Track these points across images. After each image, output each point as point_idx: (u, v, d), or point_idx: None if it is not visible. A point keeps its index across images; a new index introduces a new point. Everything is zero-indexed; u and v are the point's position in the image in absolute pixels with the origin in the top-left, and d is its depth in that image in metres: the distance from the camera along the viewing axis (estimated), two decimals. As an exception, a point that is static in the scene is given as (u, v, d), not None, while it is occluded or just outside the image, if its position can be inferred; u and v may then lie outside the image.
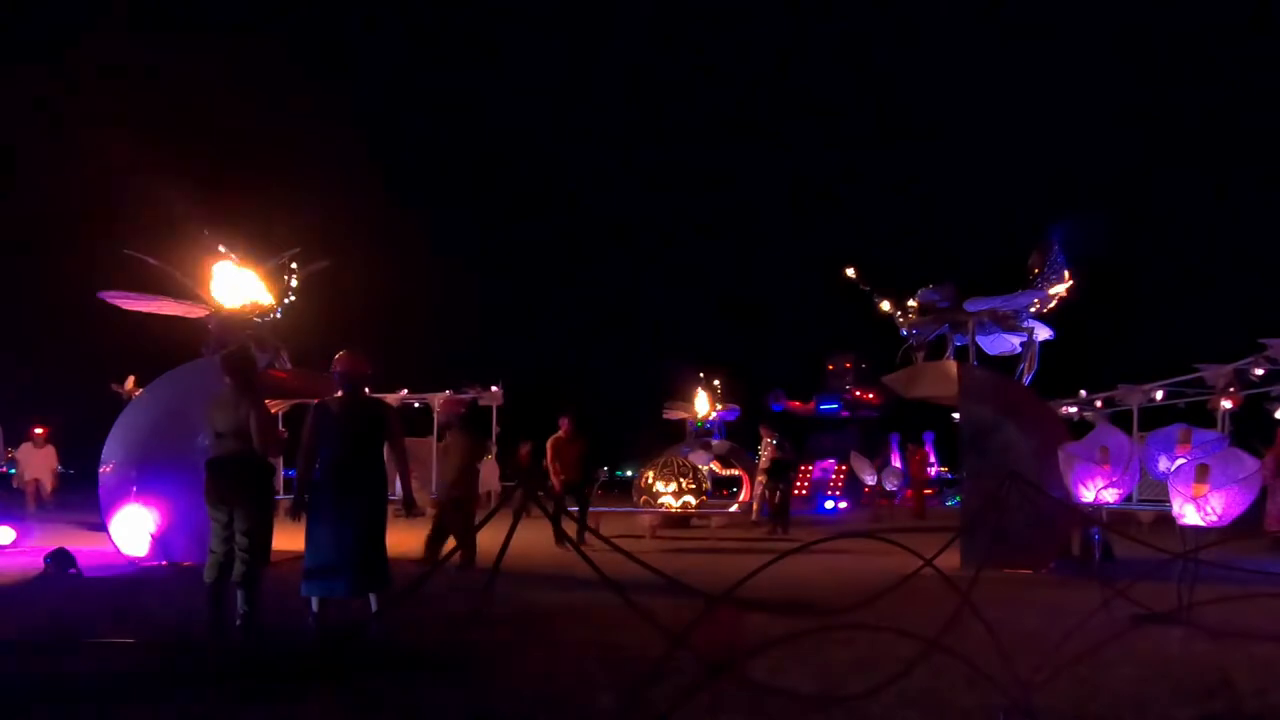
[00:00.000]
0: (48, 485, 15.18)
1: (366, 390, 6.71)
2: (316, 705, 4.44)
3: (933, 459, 32.03)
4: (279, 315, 10.52)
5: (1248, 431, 15.12)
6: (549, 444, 12.68)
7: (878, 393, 32.61)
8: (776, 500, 16.12)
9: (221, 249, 10.06)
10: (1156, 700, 4.50)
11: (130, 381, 15.75)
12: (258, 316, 10.31)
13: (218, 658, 5.48)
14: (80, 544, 10.13)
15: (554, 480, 12.47)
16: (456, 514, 9.25)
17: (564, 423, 12.61)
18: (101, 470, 9.86)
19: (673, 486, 15.90)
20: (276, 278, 10.48)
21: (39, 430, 15.32)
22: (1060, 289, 11.31)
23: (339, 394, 6.14)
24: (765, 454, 17.08)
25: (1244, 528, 7.12)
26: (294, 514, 6.04)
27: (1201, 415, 16.55)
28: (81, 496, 14.61)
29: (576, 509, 12.40)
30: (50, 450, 15.40)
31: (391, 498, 6.16)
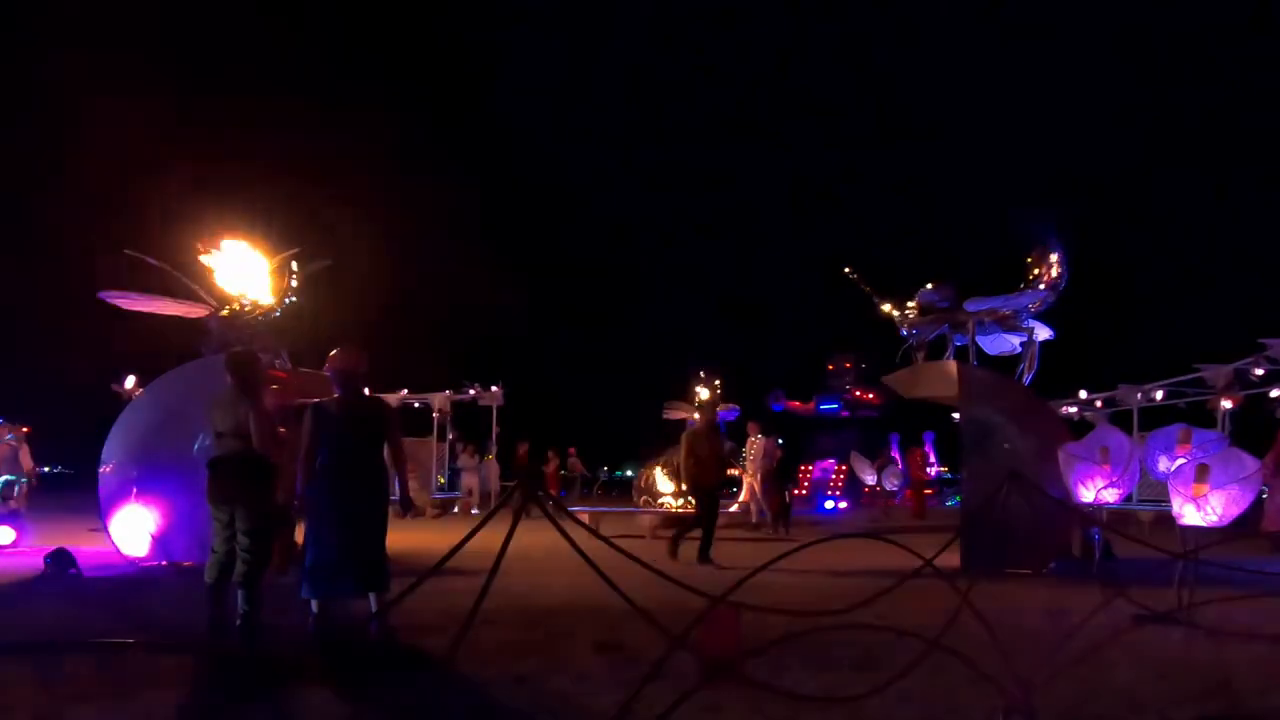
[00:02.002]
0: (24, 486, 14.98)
1: (365, 389, 6.69)
2: (316, 705, 4.44)
3: (933, 459, 32.04)
4: (279, 315, 10.51)
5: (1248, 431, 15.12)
6: (685, 439, 10.84)
7: (878, 393, 32.60)
8: (777, 501, 16.11)
9: (218, 245, 10.04)
10: (1156, 700, 4.50)
11: (130, 381, 15.71)
12: (259, 315, 10.31)
13: (218, 658, 5.48)
14: (80, 544, 10.13)
15: (685, 481, 10.70)
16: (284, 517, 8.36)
17: (701, 415, 11.01)
18: (101, 470, 9.86)
19: (672, 487, 15.89)
20: (277, 277, 10.48)
21: (22, 429, 15.12)
22: (1054, 269, 11.19)
23: (336, 393, 6.10)
24: (753, 452, 16.78)
25: (1244, 528, 7.12)
26: (298, 515, 6.02)
27: (1201, 415, 16.54)
28: (79, 496, 14.58)
29: (704, 516, 10.53)
30: (24, 450, 15.19)
31: (392, 498, 6.13)
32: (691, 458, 10.41)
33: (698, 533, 10.53)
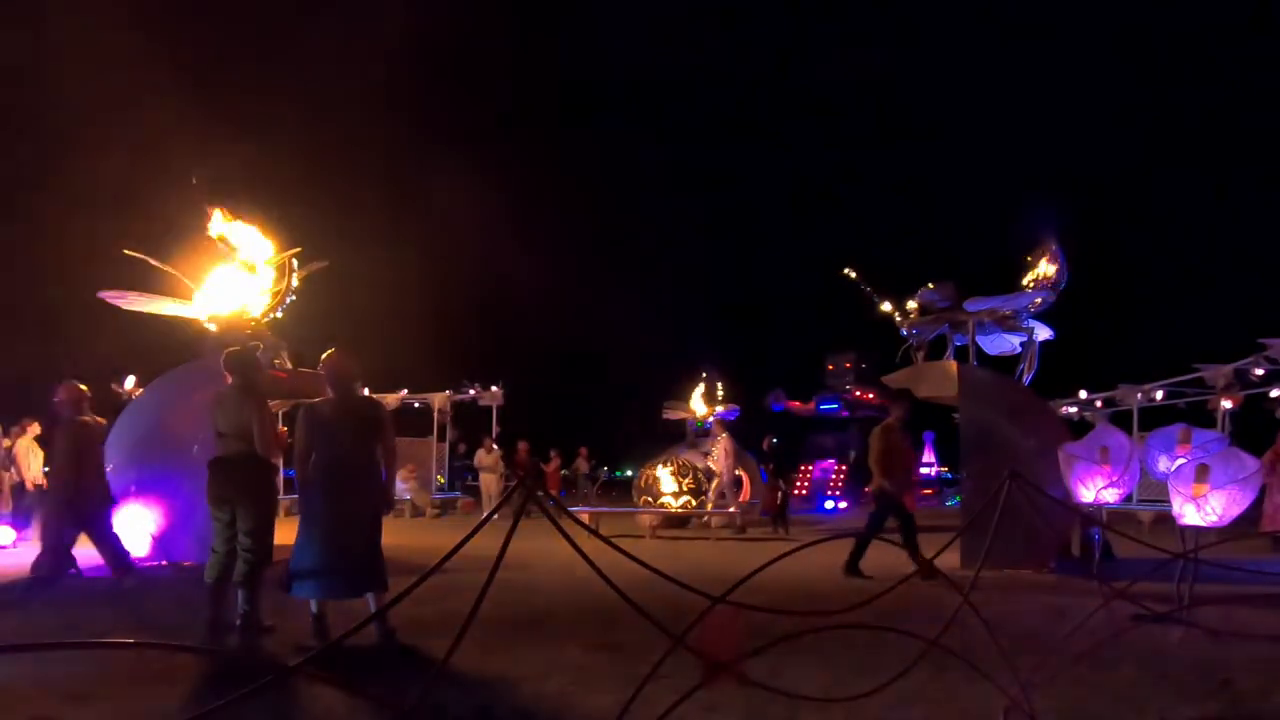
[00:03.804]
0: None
1: (363, 389, 6.69)
2: (316, 705, 4.44)
3: (932, 459, 32.09)
4: (279, 315, 10.52)
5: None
6: (880, 434, 9.24)
7: (878, 393, 32.65)
8: (778, 501, 16.10)
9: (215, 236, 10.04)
10: (1156, 700, 4.51)
11: (130, 381, 15.72)
12: (257, 318, 10.32)
13: (217, 658, 5.48)
14: (80, 544, 10.12)
15: (887, 486, 9.11)
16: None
17: (896, 410, 9.42)
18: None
19: (673, 486, 15.87)
20: (278, 277, 10.48)
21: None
22: (1049, 269, 11.21)
23: (329, 394, 6.10)
24: (719, 450, 16.59)
25: (1243, 527, 7.12)
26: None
27: (1201, 415, 16.56)
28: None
29: (903, 524, 9.17)
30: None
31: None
32: (890, 460, 9.14)
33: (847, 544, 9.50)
